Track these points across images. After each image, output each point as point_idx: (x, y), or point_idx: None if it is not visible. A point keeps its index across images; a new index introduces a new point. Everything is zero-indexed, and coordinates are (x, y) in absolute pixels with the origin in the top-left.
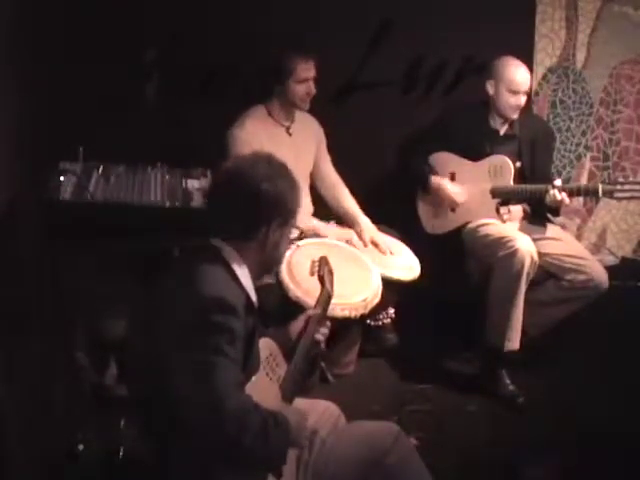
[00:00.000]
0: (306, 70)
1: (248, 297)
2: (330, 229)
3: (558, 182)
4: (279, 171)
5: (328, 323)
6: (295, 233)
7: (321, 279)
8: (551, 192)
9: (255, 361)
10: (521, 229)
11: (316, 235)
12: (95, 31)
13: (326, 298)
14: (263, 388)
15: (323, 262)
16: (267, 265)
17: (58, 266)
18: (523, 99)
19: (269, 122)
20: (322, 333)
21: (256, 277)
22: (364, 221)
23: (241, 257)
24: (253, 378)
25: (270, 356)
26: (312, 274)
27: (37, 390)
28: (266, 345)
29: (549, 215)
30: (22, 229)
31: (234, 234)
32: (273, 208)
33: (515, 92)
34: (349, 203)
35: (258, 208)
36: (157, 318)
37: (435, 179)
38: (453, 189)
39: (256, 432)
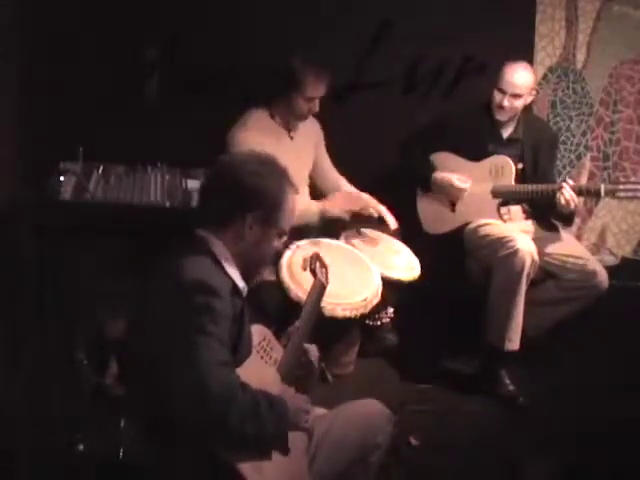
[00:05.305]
0: (316, 89)
1: (234, 283)
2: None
3: (570, 182)
4: (270, 170)
5: (314, 348)
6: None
7: (313, 272)
8: (565, 192)
9: (246, 345)
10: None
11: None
12: (95, 31)
13: (319, 289)
14: (259, 371)
15: (315, 257)
16: (248, 263)
17: (58, 266)
18: (509, 102)
19: (271, 125)
20: (312, 352)
21: (242, 273)
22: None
23: (226, 249)
24: (245, 362)
25: (264, 340)
26: (304, 269)
27: (37, 390)
28: (259, 330)
29: (558, 222)
30: (22, 229)
31: (209, 219)
32: (251, 198)
33: (501, 90)
34: (349, 188)
35: (234, 194)
36: (147, 312)
37: (438, 173)
38: (458, 179)
39: (244, 409)
